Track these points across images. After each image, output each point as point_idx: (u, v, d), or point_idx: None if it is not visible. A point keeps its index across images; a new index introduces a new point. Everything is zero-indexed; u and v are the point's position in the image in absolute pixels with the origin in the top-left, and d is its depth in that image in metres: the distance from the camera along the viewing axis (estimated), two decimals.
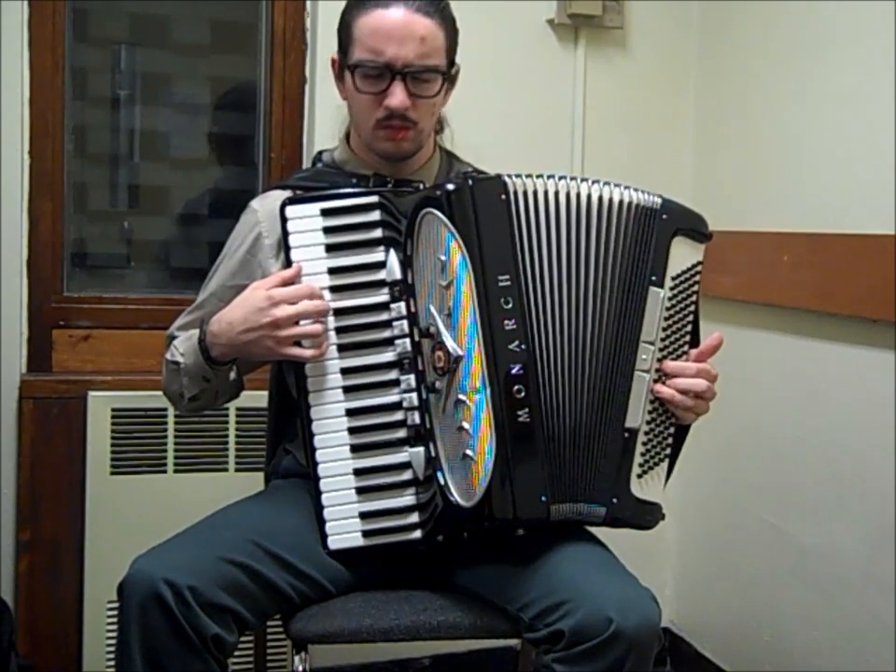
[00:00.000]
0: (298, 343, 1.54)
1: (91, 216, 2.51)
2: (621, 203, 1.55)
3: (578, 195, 1.54)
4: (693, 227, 1.59)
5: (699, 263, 1.59)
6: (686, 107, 2.68)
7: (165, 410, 2.28)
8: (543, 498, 1.49)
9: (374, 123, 1.64)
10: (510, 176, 1.52)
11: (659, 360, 1.56)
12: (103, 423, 2.26)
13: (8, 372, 2.28)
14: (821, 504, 2.20)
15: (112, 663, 2.18)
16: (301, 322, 1.54)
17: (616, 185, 1.56)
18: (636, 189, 1.57)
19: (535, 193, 1.52)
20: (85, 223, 2.49)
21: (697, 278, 1.59)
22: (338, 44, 1.70)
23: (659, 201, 1.57)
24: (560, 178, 1.54)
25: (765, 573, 2.37)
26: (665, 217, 1.56)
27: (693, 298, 1.59)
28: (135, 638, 1.43)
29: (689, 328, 1.59)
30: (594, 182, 1.56)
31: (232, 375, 1.69)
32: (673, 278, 1.57)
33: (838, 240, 2.11)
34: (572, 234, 1.54)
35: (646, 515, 1.56)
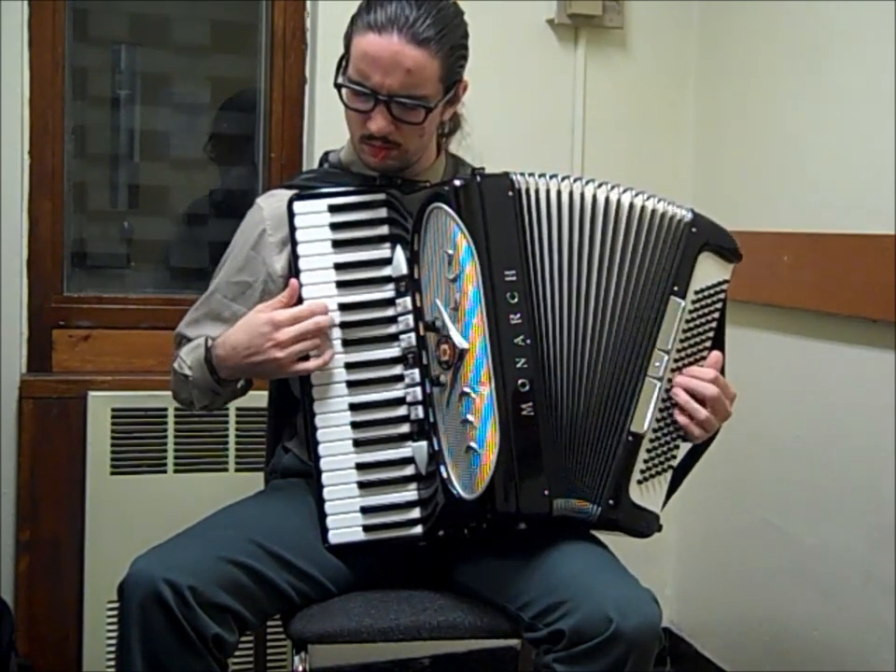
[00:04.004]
0: (303, 358, 1.55)
1: (91, 215, 2.51)
2: (654, 211, 1.56)
3: (587, 195, 1.55)
4: (722, 244, 1.59)
5: (725, 282, 1.59)
6: (686, 107, 2.68)
7: (165, 410, 2.28)
8: (546, 492, 1.49)
9: (360, 138, 1.64)
10: (517, 174, 1.54)
11: (673, 371, 1.55)
12: (103, 423, 2.26)
13: (8, 372, 2.28)
14: (821, 504, 2.19)
15: (112, 663, 2.20)
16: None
17: (638, 193, 1.57)
18: (665, 200, 1.58)
19: (542, 192, 1.54)
20: (85, 223, 2.49)
21: (722, 296, 1.59)
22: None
23: (689, 214, 1.58)
24: (564, 179, 1.56)
25: (765, 573, 2.37)
26: (694, 230, 1.57)
27: (716, 315, 1.59)
28: (136, 639, 1.43)
29: (708, 343, 1.58)
30: (601, 184, 1.56)
31: (241, 383, 1.71)
32: (696, 292, 1.57)
33: (838, 240, 2.11)
34: (585, 234, 1.54)
35: (641, 522, 1.55)
